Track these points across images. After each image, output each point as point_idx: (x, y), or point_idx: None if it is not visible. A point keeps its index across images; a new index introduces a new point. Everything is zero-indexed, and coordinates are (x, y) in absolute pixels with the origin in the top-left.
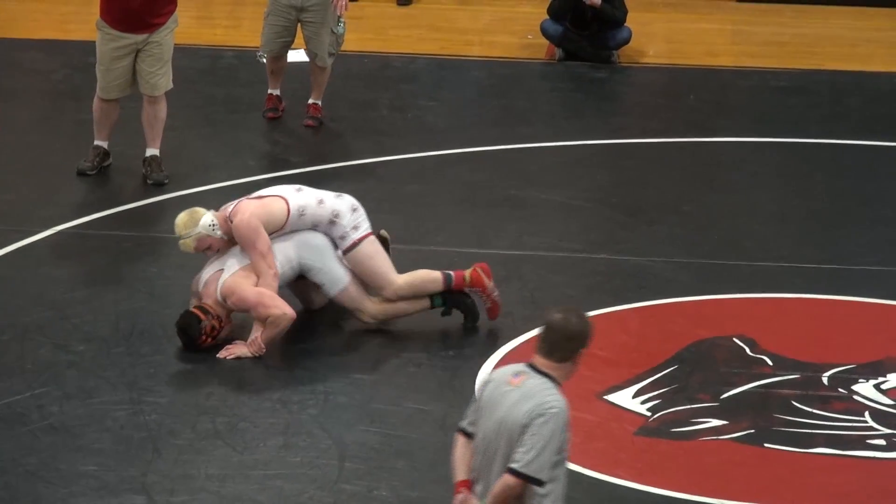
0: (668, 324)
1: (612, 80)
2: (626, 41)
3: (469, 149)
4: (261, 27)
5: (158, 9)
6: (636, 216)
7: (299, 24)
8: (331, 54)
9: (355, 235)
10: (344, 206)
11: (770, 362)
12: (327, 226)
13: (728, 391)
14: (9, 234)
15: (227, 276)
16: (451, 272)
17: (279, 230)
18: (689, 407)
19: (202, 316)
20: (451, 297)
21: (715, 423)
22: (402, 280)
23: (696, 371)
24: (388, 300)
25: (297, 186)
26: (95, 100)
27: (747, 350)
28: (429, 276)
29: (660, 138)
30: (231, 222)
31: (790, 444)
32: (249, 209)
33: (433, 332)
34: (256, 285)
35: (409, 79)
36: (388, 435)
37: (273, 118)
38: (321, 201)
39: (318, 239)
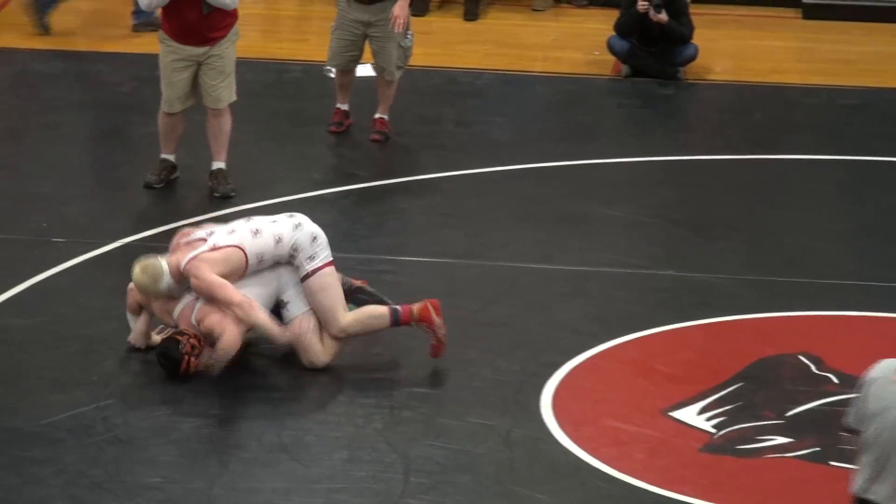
0: (733, 341)
1: (678, 97)
2: (693, 58)
3: (534, 164)
4: (327, 41)
5: (217, 22)
6: (701, 233)
7: (367, 39)
8: (398, 68)
9: (309, 266)
10: (303, 237)
11: (836, 380)
12: (285, 262)
13: (793, 409)
14: (76, 246)
15: (201, 303)
16: (399, 307)
17: (240, 278)
18: (754, 424)
19: (179, 337)
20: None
21: (780, 440)
22: (350, 317)
23: (761, 388)
24: (335, 338)
25: (255, 227)
26: (160, 113)
27: (813, 368)
28: (376, 313)
29: (725, 155)
30: (186, 277)
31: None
32: (205, 267)
33: (498, 347)
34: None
35: (474, 94)
36: (453, 450)
37: (335, 132)
38: (279, 240)
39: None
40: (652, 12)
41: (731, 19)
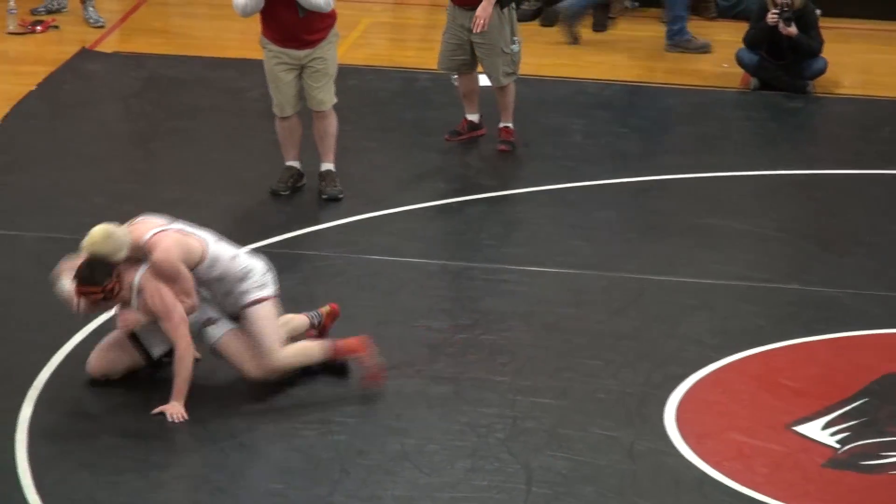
0: (859, 356)
1: (807, 111)
2: (822, 71)
3: (660, 176)
4: None
5: (314, 25)
6: (827, 247)
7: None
8: (507, 74)
9: (259, 294)
10: (258, 265)
11: None
12: (234, 281)
13: None
14: None
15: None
16: (330, 342)
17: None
18: (878, 440)
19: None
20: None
21: None
22: (285, 353)
23: (886, 404)
24: (265, 369)
25: (217, 238)
26: (275, 120)
27: None
28: (309, 349)
29: (852, 169)
30: (146, 250)
31: None
32: (168, 244)
33: (622, 359)
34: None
35: (602, 105)
36: (576, 461)
37: (449, 140)
38: (235, 257)
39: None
40: (782, 25)
41: (861, 33)
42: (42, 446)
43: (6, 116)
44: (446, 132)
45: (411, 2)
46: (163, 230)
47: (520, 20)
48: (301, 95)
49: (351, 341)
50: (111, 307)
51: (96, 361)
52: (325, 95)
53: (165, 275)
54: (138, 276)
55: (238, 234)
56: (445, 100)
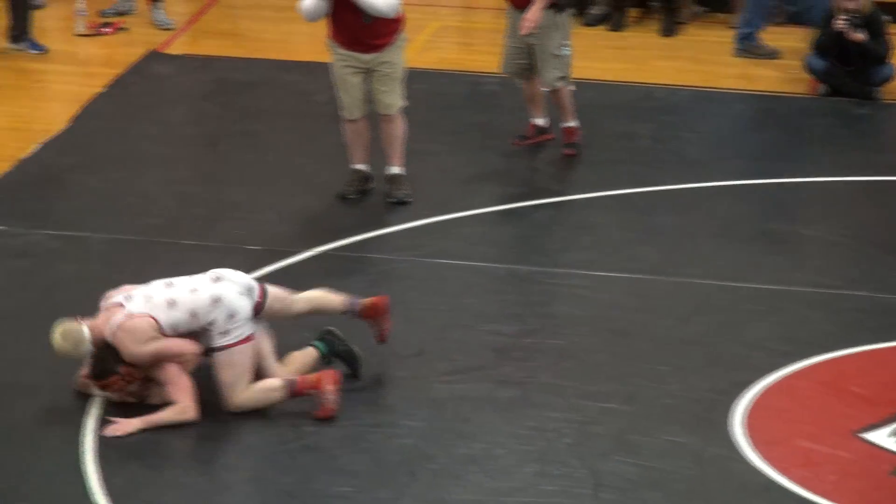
0: None
1: (875, 117)
2: (889, 78)
3: (728, 182)
4: None
5: (380, 29)
6: None
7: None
8: (559, 78)
9: (220, 341)
10: (220, 314)
11: None
12: (199, 332)
13: None
14: (271, 254)
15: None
16: (296, 378)
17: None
18: None
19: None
20: (332, 347)
21: None
22: (244, 396)
23: None
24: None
25: (171, 297)
26: (343, 123)
27: None
28: (272, 386)
29: None
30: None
31: None
32: (129, 341)
33: (690, 364)
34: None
35: (670, 110)
36: (643, 466)
37: (516, 145)
38: (194, 315)
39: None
40: (850, 31)
41: None
42: (109, 448)
43: (75, 118)
44: (514, 136)
45: (480, 5)
46: (117, 327)
47: (588, 25)
48: (368, 98)
49: (313, 377)
50: (145, 384)
51: (81, 379)
52: (393, 99)
53: (149, 362)
54: None
55: (305, 238)
56: (513, 104)
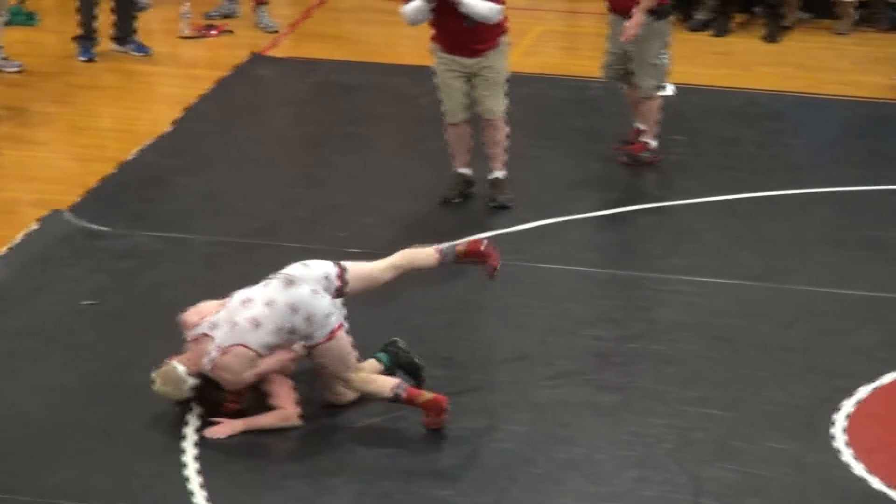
0: None
1: None
2: None
3: (832, 188)
4: None
5: (483, 34)
6: None
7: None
8: (653, 87)
9: (311, 342)
10: (299, 320)
11: None
12: (289, 339)
13: None
14: (372, 257)
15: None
16: (406, 385)
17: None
18: None
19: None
20: (396, 358)
21: None
22: (356, 377)
23: None
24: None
25: (252, 318)
26: (446, 126)
27: None
28: (382, 379)
29: None
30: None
31: None
32: (226, 376)
33: (791, 371)
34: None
35: (774, 116)
36: (745, 473)
37: (619, 150)
38: (280, 328)
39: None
40: None
41: None
42: (210, 450)
43: (179, 120)
44: (616, 141)
45: (583, 10)
46: (213, 364)
47: (691, 30)
48: (471, 102)
49: (424, 399)
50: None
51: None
52: (495, 104)
53: (252, 384)
54: None
55: (407, 241)
56: (616, 109)
